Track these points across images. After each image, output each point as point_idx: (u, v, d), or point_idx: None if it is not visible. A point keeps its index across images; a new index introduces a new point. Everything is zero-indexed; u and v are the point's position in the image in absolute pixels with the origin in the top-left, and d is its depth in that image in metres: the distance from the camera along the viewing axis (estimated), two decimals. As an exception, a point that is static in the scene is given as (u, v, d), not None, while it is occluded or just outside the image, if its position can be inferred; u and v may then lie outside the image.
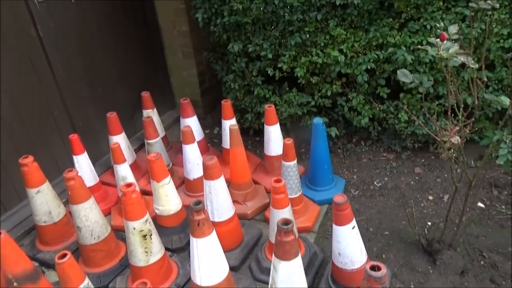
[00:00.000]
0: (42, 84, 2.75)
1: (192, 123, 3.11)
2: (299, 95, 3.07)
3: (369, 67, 2.67)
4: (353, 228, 1.84)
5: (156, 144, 2.89)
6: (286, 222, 1.57)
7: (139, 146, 3.51)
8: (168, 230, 2.45)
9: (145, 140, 2.93)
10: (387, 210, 2.63)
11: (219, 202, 2.23)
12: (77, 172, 2.14)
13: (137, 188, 2.00)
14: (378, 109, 2.93)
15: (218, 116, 4.04)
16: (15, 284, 1.82)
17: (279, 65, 2.92)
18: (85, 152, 2.72)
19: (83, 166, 2.71)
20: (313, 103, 3.03)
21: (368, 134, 3.24)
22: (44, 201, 2.35)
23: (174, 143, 3.57)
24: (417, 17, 2.63)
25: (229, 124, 2.96)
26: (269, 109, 2.77)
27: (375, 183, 2.91)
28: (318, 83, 2.95)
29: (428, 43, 2.18)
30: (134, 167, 3.02)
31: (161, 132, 3.30)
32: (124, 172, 2.54)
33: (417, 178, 2.90)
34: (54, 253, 2.41)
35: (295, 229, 1.85)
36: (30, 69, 2.66)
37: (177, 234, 2.46)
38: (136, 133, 3.63)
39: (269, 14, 2.81)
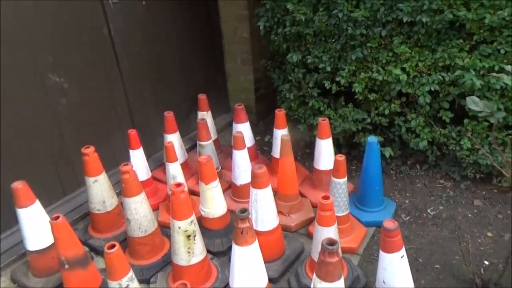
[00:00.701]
0: (108, 79, 2.92)
1: (244, 129, 3.14)
2: (355, 111, 2.99)
3: (432, 89, 2.54)
4: (401, 257, 1.75)
5: (207, 147, 2.95)
6: (332, 242, 1.53)
7: (191, 146, 3.60)
8: (212, 233, 2.49)
9: (197, 142, 3.01)
10: (440, 242, 2.48)
11: (264, 211, 2.23)
12: (132, 166, 2.23)
13: (186, 189, 2.04)
14: (438, 133, 2.77)
15: (270, 124, 4.04)
16: (66, 266, 1.93)
17: (337, 79, 2.87)
18: (141, 148, 2.84)
19: (138, 161, 2.83)
20: (368, 120, 2.94)
21: (425, 157, 3.08)
22: (99, 191, 2.48)
23: (225, 146, 3.63)
24: (490, 40, 2.47)
25: (281, 133, 2.95)
26: (323, 123, 2.73)
27: (428, 210, 2.76)
28: (376, 100, 2.86)
29: (502, 70, 2.04)
30: (185, 166, 3.10)
31: (214, 135, 3.36)
32: (175, 170, 2.61)
33: (475, 211, 2.71)
34: (103, 241, 2.55)
35: (339, 250, 1.80)
36: (99, 65, 2.84)
37: (220, 238, 2.49)
38: (189, 133, 3.73)
39: (331, 26, 2.78)
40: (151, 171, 3.08)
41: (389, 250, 1.75)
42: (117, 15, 2.85)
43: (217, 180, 2.42)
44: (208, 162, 2.35)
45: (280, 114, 2.95)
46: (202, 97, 3.30)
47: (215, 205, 2.44)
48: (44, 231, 2.18)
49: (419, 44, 2.62)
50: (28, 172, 2.55)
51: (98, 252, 2.52)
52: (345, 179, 2.39)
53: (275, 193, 2.61)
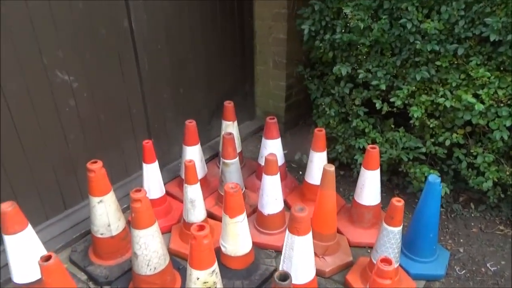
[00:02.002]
0: (125, 79, 2.52)
1: (275, 145, 2.73)
2: (407, 137, 2.56)
3: (515, 124, 2.08)
4: None
5: (232, 165, 2.54)
6: None
7: (211, 157, 3.21)
8: (231, 273, 2.11)
9: (221, 158, 2.60)
10: (507, 310, 2.06)
11: (301, 262, 1.82)
12: (146, 193, 1.84)
13: (208, 230, 1.65)
14: (508, 173, 2.33)
15: (298, 135, 3.65)
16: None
17: (391, 99, 2.43)
18: (156, 161, 2.45)
19: (152, 177, 2.45)
20: (423, 149, 2.50)
21: (482, 196, 2.64)
22: (104, 213, 2.10)
23: (248, 160, 3.23)
24: None
25: (319, 156, 2.55)
26: (373, 151, 2.30)
27: (488, 265, 2.32)
28: (435, 127, 2.42)
29: None
30: (203, 182, 2.70)
31: (238, 147, 2.96)
32: (194, 194, 2.22)
33: (548, 272, 2.28)
34: (105, 269, 2.19)
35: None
36: (116, 63, 2.44)
37: (241, 280, 2.11)
38: (210, 141, 3.34)
39: (393, 38, 2.33)
40: (165, 183, 2.70)
41: None
42: (140, 6, 2.43)
43: (244, 213, 2.03)
44: (236, 193, 1.95)
45: (320, 135, 2.52)
46: (229, 105, 2.87)
47: (239, 243, 2.05)
48: (34, 261, 1.81)
49: (501, 68, 2.16)
50: (26, 181, 2.20)
51: (98, 282, 2.15)
52: (400, 228, 1.97)
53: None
